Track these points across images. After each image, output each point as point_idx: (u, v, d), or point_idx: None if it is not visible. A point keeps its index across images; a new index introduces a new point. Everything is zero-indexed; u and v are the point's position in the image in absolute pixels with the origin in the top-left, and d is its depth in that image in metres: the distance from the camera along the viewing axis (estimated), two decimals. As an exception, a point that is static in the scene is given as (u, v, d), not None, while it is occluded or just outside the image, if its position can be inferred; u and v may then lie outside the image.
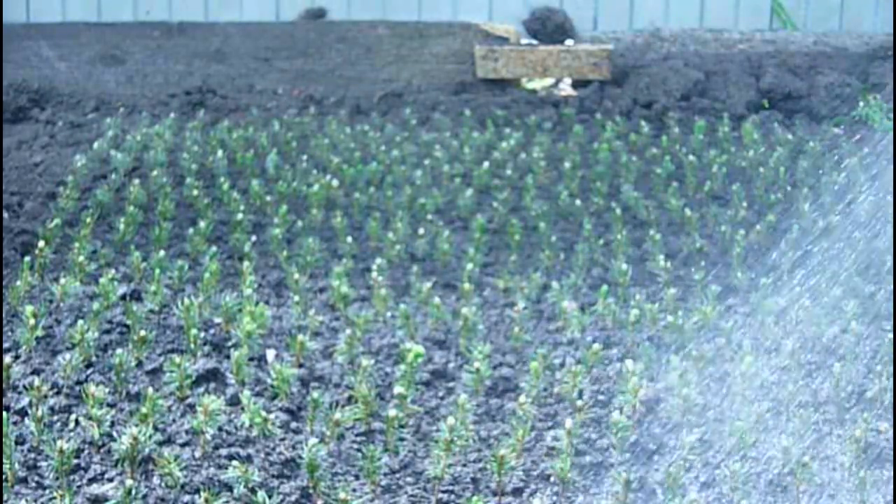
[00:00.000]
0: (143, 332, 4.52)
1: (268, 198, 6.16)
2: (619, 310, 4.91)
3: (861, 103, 8.20)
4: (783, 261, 5.31)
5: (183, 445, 3.90)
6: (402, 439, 3.97)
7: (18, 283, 5.02)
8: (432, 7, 9.31)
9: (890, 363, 4.38)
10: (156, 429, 3.92)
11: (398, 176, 6.61)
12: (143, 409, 3.96)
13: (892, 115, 8.03)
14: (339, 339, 4.65)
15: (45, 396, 4.05)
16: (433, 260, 5.59)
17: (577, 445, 3.91)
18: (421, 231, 5.74)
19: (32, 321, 4.54)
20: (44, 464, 3.77)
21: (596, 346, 4.51)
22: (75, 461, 3.77)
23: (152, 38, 9.03)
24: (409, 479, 3.80)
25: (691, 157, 6.73)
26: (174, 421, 4.04)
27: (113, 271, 5.10)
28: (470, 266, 5.31)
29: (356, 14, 9.25)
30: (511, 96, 8.45)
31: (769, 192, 6.35)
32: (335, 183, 6.36)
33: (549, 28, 8.92)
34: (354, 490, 3.71)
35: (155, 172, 6.47)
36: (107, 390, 4.10)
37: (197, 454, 3.85)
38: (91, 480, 3.72)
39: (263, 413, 3.98)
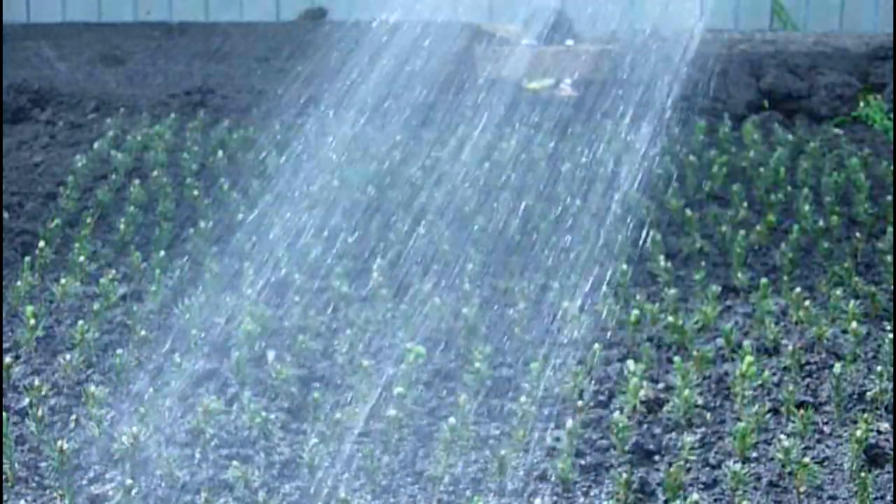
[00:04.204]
0: (143, 332, 4.52)
1: (268, 197, 6.16)
2: (619, 310, 4.91)
3: (861, 103, 8.20)
4: None
5: (183, 445, 3.90)
6: (402, 439, 3.97)
7: (18, 283, 5.02)
8: (432, 7, 9.30)
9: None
10: (156, 429, 3.93)
11: (399, 176, 6.60)
12: (143, 409, 3.96)
13: (892, 115, 8.03)
14: (339, 339, 4.65)
15: (45, 396, 4.05)
16: (433, 260, 5.58)
17: (577, 446, 3.91)
18: (421, 231, 5.73)
19: (32, 321, 4.55)
20: (44, 464, 3.77)
21: (596, 346, 4.51)
22: (75, 461, 3.77)
23: (152, 38, 9.03)
24: (409, 479, 3.80)
25: (691, 158, 6.73)
26: (174, 421, 4.04)
27: (113, 271, 5.10)
28: (470, 266, 5.31)
29: (356, 14, 9.24)
30: (511, 96, 8.44)
31: (769, 193, 6.35)
32: (336, 183, 6.35)
33: (549, 28, 8.92)
34: (354, 490, 3.70)
35: (155, 172, 6.47)
36: (107, 390, 4.11)
37: (197, 454, 3.85)
38: (91, 480, 3.72)
39: (263, 413, 3.98)
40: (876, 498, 3.67)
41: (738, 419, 4.09)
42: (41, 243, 5.35)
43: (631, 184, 6.48)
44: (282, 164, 6.55)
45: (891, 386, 4.24)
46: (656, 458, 3.93)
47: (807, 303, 4.91)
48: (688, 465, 3.83)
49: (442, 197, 6.11)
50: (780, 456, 3.79)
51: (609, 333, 4.73)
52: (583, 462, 3.86)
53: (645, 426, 4.10)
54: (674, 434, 4.05)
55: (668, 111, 8.09)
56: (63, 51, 8.91)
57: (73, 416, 4.06)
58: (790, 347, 4.51)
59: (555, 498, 3.70)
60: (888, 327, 4.82)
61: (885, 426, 4.07)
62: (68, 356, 4.37)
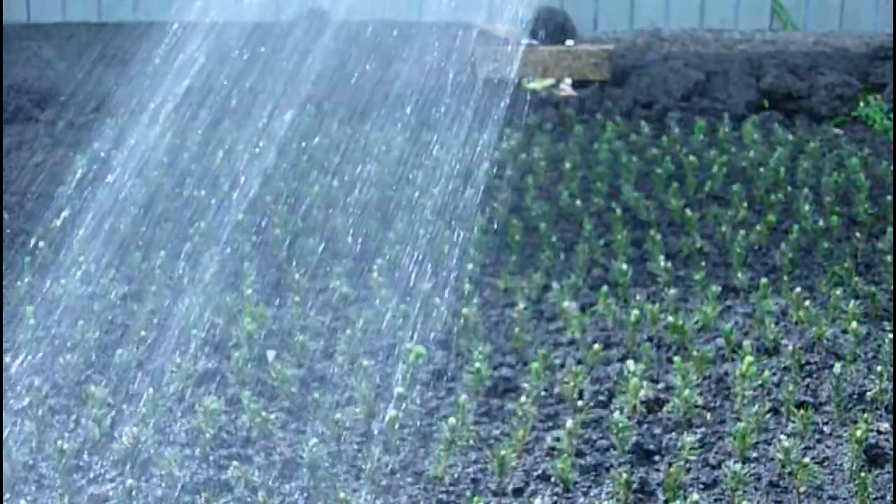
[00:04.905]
0: (143, 332, 4.52)
1: (268, 198, 6.16)
2: (619, 310, 4.91)
3: (861, 103, 8.20)
4: None
5: (183, 445, 3.91)
6: (402, 439, 3.97)
7: (18, 283, 5.02)
8: (432, 7, 9.30)
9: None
10: (156, 429, 3.93)
11: (398, 176, 6.60)
12: (143, 409, 3.97)
13: (892, 115, 8.03)
14: (339, 339, 4.65)
15: (45, 396, 4.05)
16: (434, 260, 5.59)
17: (577, 446, 3.92)
18: (421, 231, 5.74)
19: (32, 321, 4.55)
20: (44, 464, 3.77)
21: (596, 346, 4.52)
22: (75, 461, 3.77)
23: (152, 39, 9.02)
24: (409, 479, 3.80)
25: (691, 158, 6.73)
26: (174, 421, 4.04)
27: (113, 271, 5.10)
28: (470, 266, 5.31)
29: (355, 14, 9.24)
30: (511, 96, 8.43)
31: (769, 193, 6.35)
32: (335, 183, 6.36)
33: (549, 28, 8.92)
34: (354, 490, 3.71)
35: (157, 172, 6.47)
36: (107, 390, 4.11)
37: (197, 454, 3.85)
38: (91, 480, 3.72)
39: (263, 413, 3.99)
40: (876, 498, 3.67)
41: (738, 419, 4.09)
42: (41, 243, 5.35)
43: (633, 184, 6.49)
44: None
45: (891, 386, 4.24)
46: (656, 458, 3.93)
47: (807, 303, 4.91)
48: (688, 465, 3.83)
49: (442, 196, 6.12)
50: (780, 456, 3.79)
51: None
52: (583, 462, 3.86)
53: (645, 426, 4.10)
54: (674, 434, 4.05)
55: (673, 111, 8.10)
56: (63, 51, 8.90)
57: (73, 416, 4.06)
58: (790, 347, 4.51)
59: (555, 498, 3.70)
60: (888, 327, 4.82)
61: (885, 426, 4.07)
62: (68, 356, 4.38)
